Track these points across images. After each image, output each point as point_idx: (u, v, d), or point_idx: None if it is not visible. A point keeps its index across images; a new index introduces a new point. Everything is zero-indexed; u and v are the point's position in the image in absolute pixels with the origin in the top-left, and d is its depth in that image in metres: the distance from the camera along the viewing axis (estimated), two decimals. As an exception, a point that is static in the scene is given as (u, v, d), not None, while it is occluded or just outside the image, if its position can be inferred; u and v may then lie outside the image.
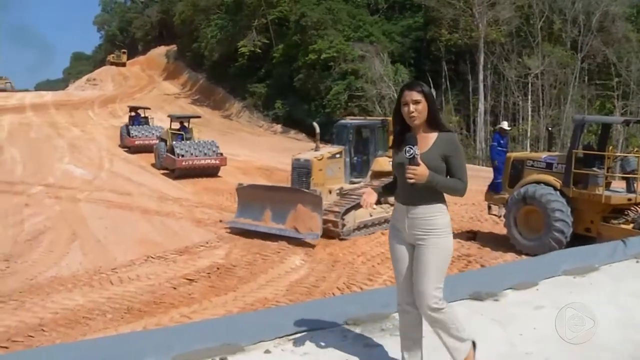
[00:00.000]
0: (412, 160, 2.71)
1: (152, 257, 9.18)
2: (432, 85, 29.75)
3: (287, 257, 9.27)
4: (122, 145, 24.58)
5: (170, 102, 44.61)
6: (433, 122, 2.92)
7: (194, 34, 50.25)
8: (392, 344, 3.06)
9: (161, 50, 68.66)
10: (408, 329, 2.94)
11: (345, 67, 31.92)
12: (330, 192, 10.84)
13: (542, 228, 8.85)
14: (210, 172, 18.31)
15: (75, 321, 6.55)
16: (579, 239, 8.45)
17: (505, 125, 12.63)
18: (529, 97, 28.29)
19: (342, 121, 12.64)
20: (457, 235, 10.17)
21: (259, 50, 39.67)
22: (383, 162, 11.24)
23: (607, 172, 8.85)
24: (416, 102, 2.85)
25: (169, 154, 18.62)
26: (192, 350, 2.99)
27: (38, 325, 6.45)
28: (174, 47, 63.73)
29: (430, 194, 2.83)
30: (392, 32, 34.86)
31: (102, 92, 52.31)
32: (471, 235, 10.35)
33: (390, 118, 11.80)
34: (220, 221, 11.54)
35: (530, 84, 28.22)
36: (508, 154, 10.44)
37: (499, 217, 10.38)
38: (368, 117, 13.24)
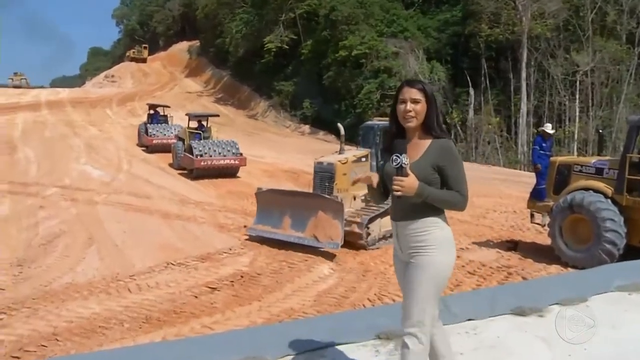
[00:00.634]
0: (400, 171, 2.62)
1: (172, 264, 9.25)
2: (470, 85, 29.56)
3: (315, 265, 9.27)
4: (140, 144, 25.15)
5: (192, 100, 45.08)
6: (429, 127, 2.81)
7: (218, 28, 50.71)
8: (428, 361, 3.01)
9: (183, 45, 69.51)
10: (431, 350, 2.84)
11: (377, 64, 31.85)
12: (354, 198, 10.68)
13: (591, 239, 8.67)
14: (230, 172, 18.57)
15: (91, 330, 6.63)
16: (633, 252, 8.25)
17: (548, 128, 12.30)
18: (577, 96, 27.78)
19: (369, 122, 12.50)
20: (496, 245, 10.07)
21: (286, 46, 39.85)
22: None
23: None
24: (415, 102, 2.76)
25: (186, 154, 18.92)
26: (214, 363, 3.01)
27: (52, 334, 6.53)
28: (196, 43, 64.47)
29: (422, 207, 2.73)
30: (428, 27, 34.67)
31: (121, 89, 53.21)
32: (512, 245, 10.21)
33: None
34: (245, 227, 11.60)
35: (578, 82, 27.71)
36: (553, 158, 10.26)
37: (543, 226, 10.21)
38: (383, 118, 13.20)
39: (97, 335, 6.52)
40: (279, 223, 10.38)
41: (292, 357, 3.08)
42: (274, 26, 40.68)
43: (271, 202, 10.83)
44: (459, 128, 29.96)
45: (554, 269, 8.77)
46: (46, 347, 6.24)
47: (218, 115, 23.95)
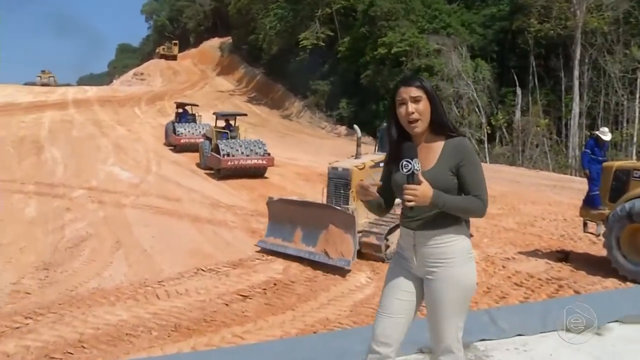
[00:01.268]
0: (411, 178, 2.50)
1: (202, 270, 9.31)
2: (517, 84, 29.13)
3: (352, 273, 9.22)
4: (167, 144, 25.71)
5: (223, 99, 45.52)
6: (438, 126, 2.68)
7: (251, 24, 51.13)
8: (475, 380, 2.97)
9: (215, 42, 70.28)
10: None
11: (418, 62, 31.71)
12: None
13: (653, 251, 8.44)
14: (257, 172, 18.85)
15: (118, 338, 6.71)
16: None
17: (604, 133, 11.56)
18: (637, 95, 27.14)
19: (387, 124, 12.36)
20: (545, 255, 9.87)
21: (323, 44, 39.93)
22: None
23: None
24: (416, 100, 2.63)
25: (213, 153, 19.30)
26: (246, 375, 3.01)
27: (78, 341, 6.62)
28: (228, 39, 65.13)
29: (443, 215, 2.62)
30: (472, 23, 34.38)
31: (150, 87, 54.05)
32: (562, 256, 9.99)
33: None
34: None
35: (638, 80, 27.08)
36: (608, 163, 9.96)
37: (597, 235, 9.95)
38: None
39: (124, 343, 6.60)
40: (290, 236, 10.01)
41: (328, 371, 3.05)
42: (309, 22, 40.82)
43: (282, 212, 10.46)
44: (504, 130, 29.60)
45: (610, 283, 8.55)
46: (72, 354, 6.33)
47: (246, 114, 24.30)
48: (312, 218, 10.02)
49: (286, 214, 10.32)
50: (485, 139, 28.98)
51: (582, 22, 28.22)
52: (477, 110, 29.67)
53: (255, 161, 18.79)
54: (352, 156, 11.03)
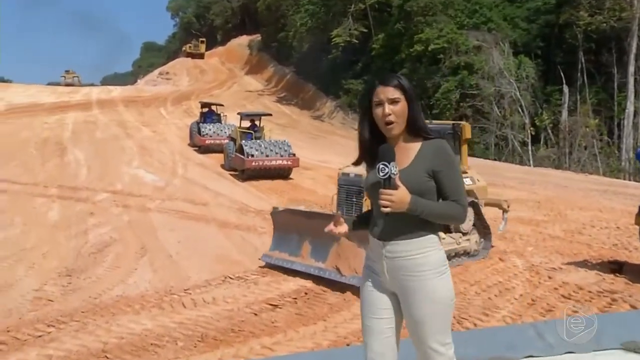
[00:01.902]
0: (388, 182, 2.46)
1: (230, 278, 9.34)
2: (564, 81, 28.65)
3: (386, 283, 9.16)
4: (192, 144, 26.17)
5: (252, 99, 45.76)
6: (414, 128, 2.65)
7: (281, 21, 51.33)
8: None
9: (243, 40, 70.67)
10: None
11: (457, 60, 31.43)
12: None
13: None
14: (281, 173, 19.20)
15: (143, 348, 6.75)
16: None
17: None
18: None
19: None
20: (595, 266, 9.65)
21: (356, 41, 39.83)
22: None
23: None
24: (393, 102, 2.60)
25: (237, 154, 19.69)
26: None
27: (101, 350, 6.67)
28: (257, 37, 65.40)
29: (417, 223, 2.57)
30: (515, 17, 33.93)
31: (176, 87, 54.58)
32: (616, 267, 9.76)
33: (463, 122, 11.26)
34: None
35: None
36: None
37: (655, 245, 9.75)
38: (435, 121, 12.62)
39: (148, 353, 6.63)
40: (298, 250, 9.53)
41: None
42: (342, 18, 40.74)
43: (288, 224, 10.00)
44: (549, 131, 29.14)
45: (670, 297, 8.33)
46: (95, 364, 6.41)
47: (270, 114, 24.61)
48: (321, 230, 9.62)
49: (292, 226, 9.85)
50: (529, 140, 28.56)
51: (640, 13, 27.63)
52: (520, 110, 29.26)
53: (280, 162, 19.12)
54: None
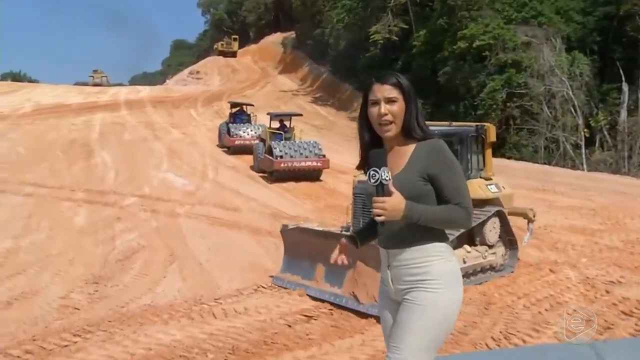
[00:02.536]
0: (380, 189, 2.42)
1: (262, 287, 9.35)
2: (623, 79, 28.06)
3: (427, 295, 9.07)
4: (221, 145, 26.70)
5: (286, 100, 45.96)
6: (410, 129, 2.60)
7: (317, 17, 51.49)
8: None
9: (277, 37, 71.12)
10: None
11: (504, 57, 31.02)
12: None
13: None
14: (311, 175, 19.49)
15: (171, 360, 6.80)
16: None
17: None
18: None
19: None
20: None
21: (395, 38, 39.62)
22: (478, 186, 9.99)
23: None
24: (390, 101, 2.58)
25: (266, 155, 20.01)
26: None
27: (129, 362, 6.76)
28: (292, 34, 65.79)
29: (418, 230, 2.51)
30: (569, 10, 33.36)
31: (207, 87, 55.13)
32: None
33: (487, 124, 10.92)
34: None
35: None
36: None
37: None
38: (454, 123, 12.31)
39: (177, 365, 6.68)
40: (311, 273, 9.16)
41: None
42: (381, 14, 40.56)
43: (300, 244, 9.60)
44: (606, 133, 28.59)
45: None
46: (122, 376, 6.46)
47: (301, 115, 24.85)
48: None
49: (305, 246, 9.43)
50: (583, 143, 28.05)
51: None
52: (572, 110, 28.77)
53: (310, 163, 19.38)
54: None
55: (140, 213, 14.84)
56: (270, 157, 19.42)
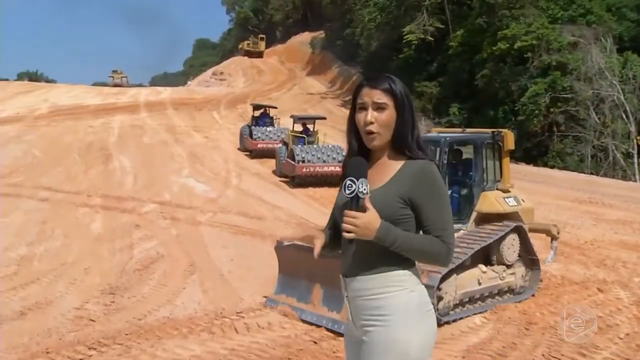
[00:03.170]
0: (354, 202, 2.28)
1: (287, 301, 9.33)
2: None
3: (464, 312, 9.01)
4: (242, 148, 27.06)
5: (314, 103, 46.04)
6: (400, 143, 2.44)
7: (347, 16, 51.61)
8: None
9: (305, 37, 71.34)
10: None
11: (548, 59, 30.77)
12: None
13: None
14: (334, 181, 19.48)
15: (190, 376, 6.81)
16: None
17: None
18: None
19: (430, 135, 10.89)
20: None
21: (431, 38, 39.57)
22: (494, 199, 9.83)
23: None
24: (379, 108, 2.42)
25: (288, 159, 20.39)
26: None
27: (146, 377, 6.78)
28: (321, 34, 65.97)
29: (381, 255, 2.35)
30: (622, 7, 32.96)
31: (231, 89, 55.49)
32: None
33: (505, 130, 10.48)
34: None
35: None
36: None
37: None
38: (467, 129, 11.94)
39: (196, 382, 6.68)
40: (307, 295, 8.80)
41: None
42: (415, 13, 40.50)
43: (296, 262, 9.12)
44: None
45: None
46: (139, 392, 6.47)
47: (325, 118, 25.09)
48: (334, 273, 8.64)
49: (301, 265, 8.90)
50: (635, 152, 27.65)
51: None
52: (624, 116, 28.37)
53: (332, 168, 19.55)
54: None
55: (159, 220, 14.93)
56: (292, 162, 19.77)
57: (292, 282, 9.15)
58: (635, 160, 27.41)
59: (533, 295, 9.65)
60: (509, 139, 10.28)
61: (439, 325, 7.90)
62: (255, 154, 25.53)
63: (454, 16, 39.58)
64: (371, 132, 2.43)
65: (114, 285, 9.99)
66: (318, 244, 2.52)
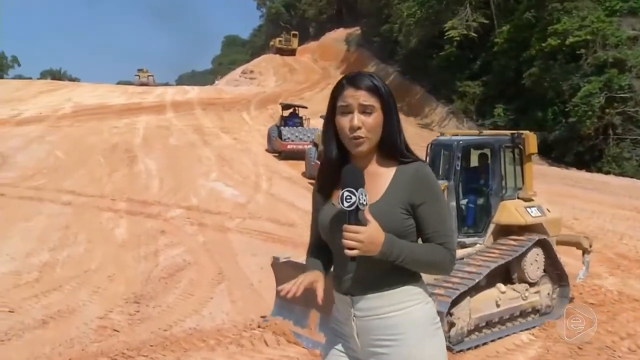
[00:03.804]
0: (354, 216, 2.20)
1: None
2: None
3: (511, 328, 8.92)
4: (270, 149, 27.38)
5: (349, 103, 45.93)
6: (389, 147, 2.38)
7: (385, 12, 51.54)
8: None
9: (339, 34, 71.37)
10: None
11: (603, 55, 30.27)
12: None
13: None
14: None
15: (218, 391, 6.84)
16: None
17: None
18: None
19: (441, 138, 10.49)
20: None
21: (474, 34, 39.28)
22: (514, 209, 9.35)
23: None
24: (366, 111, 2.32)
25: (317, 161, 20.18)
26: None
27: (171, 391, 6.82)
28: (356, 30, 65.93)
29: (393, 270, 2.31)
30: (689, -3, 32.39)
31: (261, 88, 55.67)
32: None
33: (526, 132, 9.96)
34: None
35: None
36: None
37: None
38: (484, 132, 11.50)
39: (224, 397, 6.71)
40: (304, 319, 8.48)
41: None
42: (458, 7, 40.25)
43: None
44: None
45: None
46: (164, 407, 6.51)
47: None
48: (331, 296, 8.22)
49: None
50: None
51: None
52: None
53: None
54: None
55: (186, 226, 15.04)
56: None
57: (289, 303, 8.69)
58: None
59: (561, 316, 9.08)
60: (531, 141, 9.77)
61: (452, 352, 7.75)
62: (285, 155, 25.80)
63: (500, 10, 39.28)
64: (359, 137, 2.36)
65: (139, 294, 10.07)
66: (319, 287, 2.45)
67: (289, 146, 25.85)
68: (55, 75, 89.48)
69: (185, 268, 11.62)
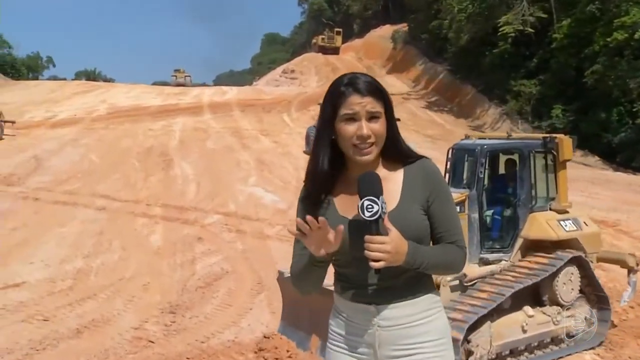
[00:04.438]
0: (375, 226, 2.19)
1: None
2: None
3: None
4: (308, 151, 26.34)
5: (395, 104, 45.08)
6: (395, 151, 2.42)
7: (434, 7, 51.33)
8: None
9: (385, 31, 71.21)
10: None
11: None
12: (441, 283, 7.83)
13: None
14: None
15: (256, 406, 6.87)
16: None
17: None
18: None
19: (465, 142, 9.88)
20: None
21: (531, 30, 38.85)
22: (545, 222, 8.71)
23: None
24: (373, 118, 2.33)
25: None
26: None
27: (209, 406, 6.88)
28: (403, 27, 65.74)
29: (412, 277, 2.34)
30: None
31: (303, 88, 55.78)
32: None
33: (560, 135, 9.44)
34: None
35: None
36: None
37: None
38: (515, 134, 10.91)
39: (263, 413, 6.74)
40: (306, 340, 8.24)
41: None
42: (513, 1, 39.90)
43: (298, 300, 8.14)
44: None
45: None
46: (201, 423, 6.57)
47: (398, 119, 24.68)
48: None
49: (303, 305, 8.18)
50: None
51: None
52: None
53: None
54: None
55: (224, 233, 15.15)
56: None
57: (294, 322, 8.60)
58: None
59: (602, 342, 8.62)
60: (566, 146, 9.07)
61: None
62: None
63: (559, 3, 38.72)
64: (368, 146, 2.36)
65: (175, 304, 10.18)
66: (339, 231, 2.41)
67: None
68: (90, 75, 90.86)
69: (223, 277, 11.71)
